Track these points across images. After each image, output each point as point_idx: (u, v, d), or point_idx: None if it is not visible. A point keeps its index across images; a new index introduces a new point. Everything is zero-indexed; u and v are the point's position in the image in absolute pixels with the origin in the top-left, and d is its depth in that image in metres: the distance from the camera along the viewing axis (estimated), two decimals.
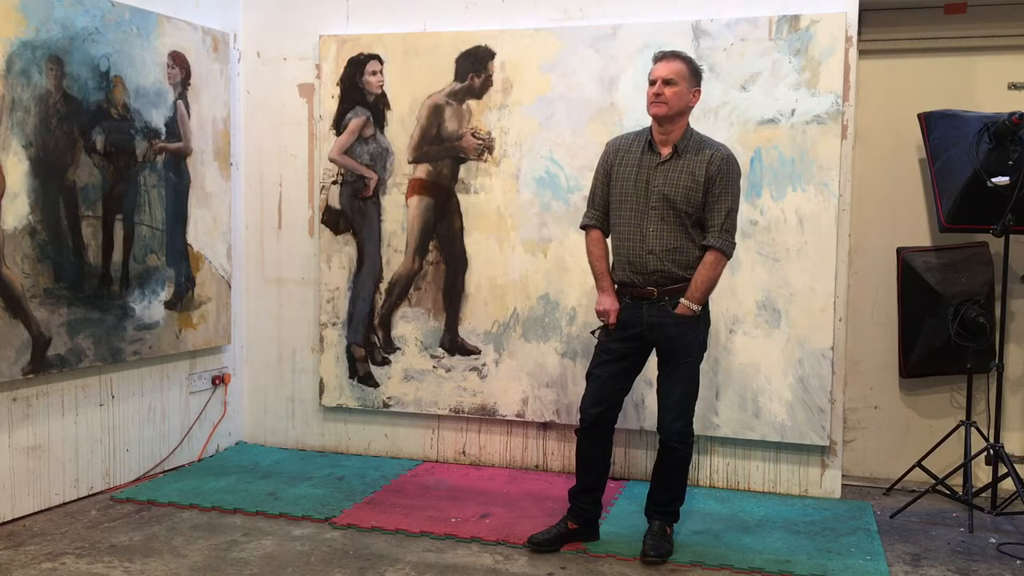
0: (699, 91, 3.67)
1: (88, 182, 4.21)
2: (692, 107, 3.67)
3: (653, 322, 3.64)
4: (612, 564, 3.64)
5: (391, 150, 4.95)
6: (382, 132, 4.96)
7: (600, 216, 3.78)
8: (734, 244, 3.66)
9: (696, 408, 3.76)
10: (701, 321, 3.68)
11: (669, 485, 3.77)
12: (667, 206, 3.60)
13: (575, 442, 3.84)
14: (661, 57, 3.63)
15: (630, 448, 4.71)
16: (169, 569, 3.53)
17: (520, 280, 4.78)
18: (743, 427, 4.51)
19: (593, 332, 3.87)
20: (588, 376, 3.83)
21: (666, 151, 3.64)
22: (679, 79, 3.57)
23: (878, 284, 4.78)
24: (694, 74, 3.64)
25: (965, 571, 3.62)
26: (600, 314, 3.75)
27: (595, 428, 3.76)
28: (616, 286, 3.74)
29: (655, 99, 3.58)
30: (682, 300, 3.60)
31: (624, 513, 4.17)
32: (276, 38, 5.16)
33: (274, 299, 5.26)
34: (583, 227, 3.85)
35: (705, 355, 3.78)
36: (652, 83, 3.60)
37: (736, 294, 4.48)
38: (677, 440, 3.68)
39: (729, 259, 3.67)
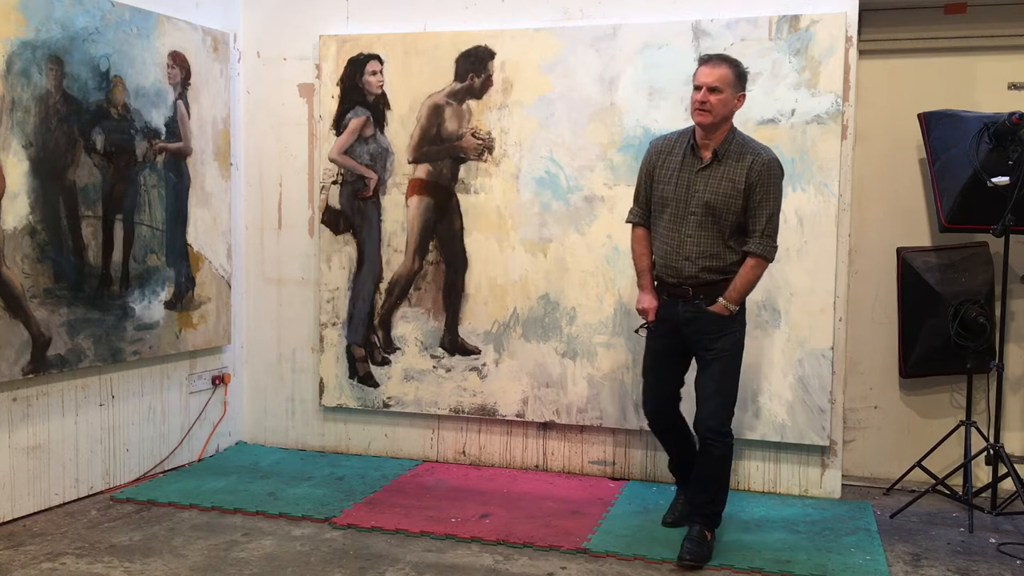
0: (744, 95, 3.65)
1: (88, 182, 4.21)
2: (736, 111, 3.65)
3: (688, 317, 3.68)
4: (612, 564, 3.64)
5: (391, 150, 4.95)
6: (382, 132, 4.96)
7: (644, 214, 3.82)
8: (776, 247, 3.66)
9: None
10: (736, 320, 3.69)
11: (706, 485, 3.75)
12: (707, 213, 3.61)
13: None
14: (707, 60, 3.61)
15: (630, 448, 4.71)
16: (169, 569, 3.53)
17: (520, 280, 4.78)
18: (743, 427, 4.51)
19: (636, 330, 3.97)
20: (643, 373, 3.99)
21: (707, 156, 3.64)
22: (724, 86, 3.54)
23: (878, 284, 4.78)
24: (739, 78, 3.60)
25: (965, 571, 3.62)
26: (640, 312, 3.83)
27: (657, 423, 3.93)
28: (656, 283, 3.80)
29: (700, 107, 3.55)
30: (720, 300, 3.62)
31: (624, 513, 4.17)
32: (276, 38, 5.16)
33: (274, 299, 5.26)
34: (629, 222, 3.88)
35: None
36: (697, 88, 3.56)
37: None
38: (712, 437, 3.68)
39: (770, 263, 3.68)
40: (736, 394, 3.78)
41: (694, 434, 3.83)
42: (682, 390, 3.95)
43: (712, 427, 3.68)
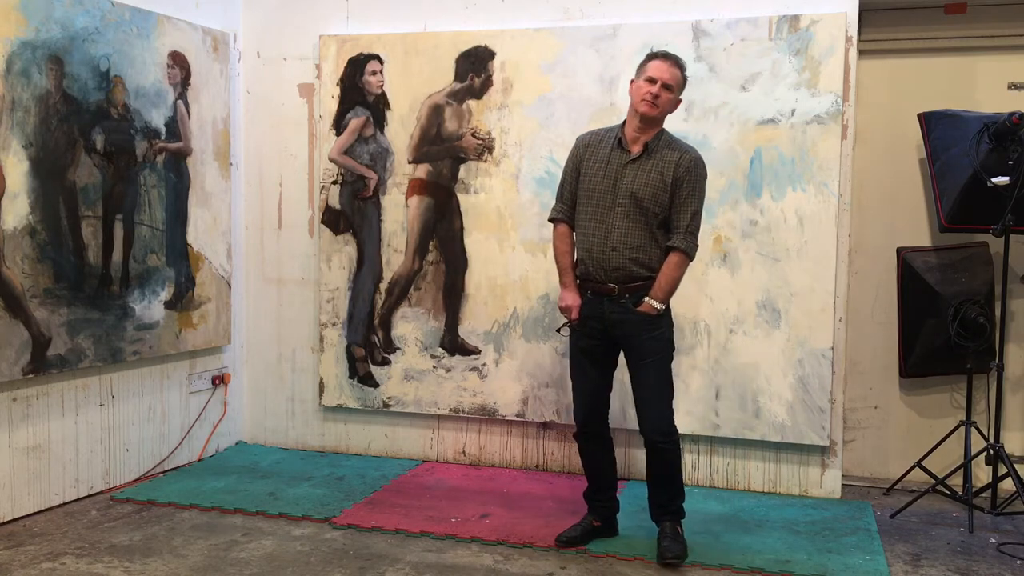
0: (681, 100, 3.72)
1: (88, 182, 4.21)
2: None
3: (615, 318, 3.63)
4: (612, 564, 3.64)
5: (391, 150, 4.95)
6: (382, 132, 4.96)
7: (568, 210, 3.77)
8: (697, 246, 3.68)
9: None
10: (664, 319, 3.67)
11: (666, 485, 3.77)
12: (634, 204, 3.59)
13: (577, 446, 3.89)
14: (664, 57, 3.62)
15: (630, 448, 4.71)
16: (169, 569, 3.53)
17: (520, 280, 4.78)
18: (743, 427, 4.51)
19: (559, 329, 3.90)
20: (571, 379, 3.88)
21: (636, 149, 3.64)
22: (676, 87, 3.62)
23: (878, 284, 4.78)
24: (684, 84, 3.69)
25: (965, 571, 3.62)
26: (563, 310, 3.75)
27: (587, 430, 3.82)
28: (579, 281, 3.75)
29: (651, 100, 3.56)
30: (646, 299, 3.60)
31: (624, 513, 4.15)
32: (276, 38, 5.16)
33: (274, 299, 5.26)
34: (551, 220, 3.84)
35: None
36: (651, 81, 3.57)
37: (736, 294, 4.48)
38: (661, 439, 3.68)
39: (692, 260, 3.67)
40: (673, 392, 3.75)
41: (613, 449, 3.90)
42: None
43: (659, 430, 3.67)
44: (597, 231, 3.64)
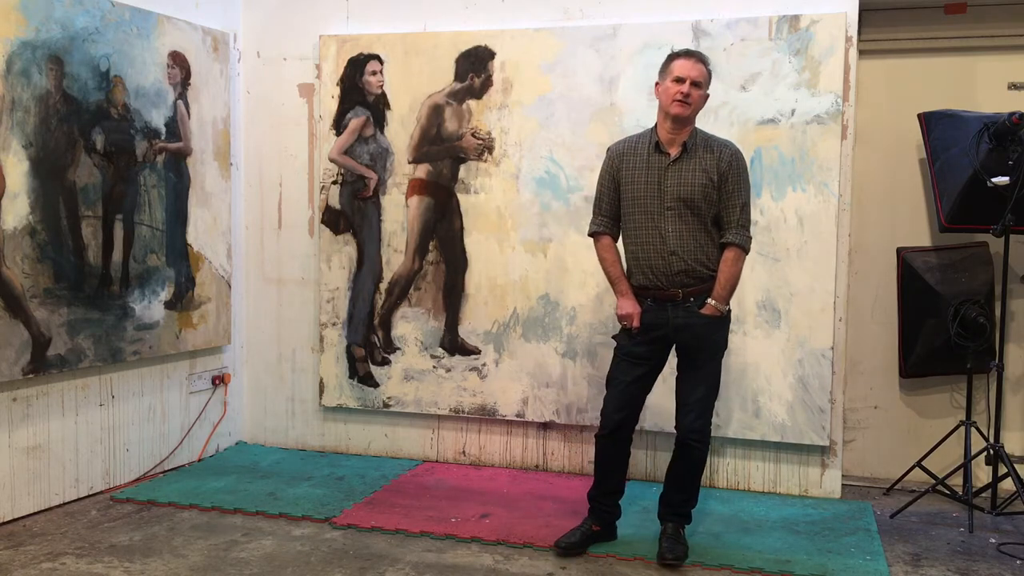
0: (708, 95, 3.68)
1: (88, 182, 4.21)
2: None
3: (680, 323, 3.61)
4: (612, 564, 3.64)
5: (391, 150, 4.95)
6: (382, 132, 4.96)
7: (609, 222, 3.74)
8: (751, 238, 3.66)
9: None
10: (726, 319, 3.68)
11: (685, 486, 3.75)
12: (684, 206, 3.57)
13: (593, 445, 3.84)
14: (687, 55, 3.59)
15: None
16: (169, 569, 3.53)
17: (520, 280, 4.78)
18: (743, 427, 4.51)
19: (615, 336, 3.80)
20: (609, 381, 3.77)
21: (675, 151, 3.61)
22: (704, 83, 3.58)
23: (878, 284, 4.78)
24: (711, 78, 3.66)
25: (965, 571, 3.62)
26: (623, 318, 3.67)
27: (617, 434, 3.74)
28: (634, 290, 3.70)
29: (683, 99, 3.53)
30: (709, 301, 3.58)
31: (624, 513, 4.16)
32: (276, 38, 5.16)
33: (274, 299, 5.26)
34: (592, 234, 3.80)
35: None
36: (679, 81, 3.53)
37: (736, 294, 4.46)
38: (696, 439, 3.65)
39: (747, 254, 3.66)
40: (718, 394, 3.77)
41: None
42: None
43: (698, 428, 3.65)
44: (651, 238, 3.61)
